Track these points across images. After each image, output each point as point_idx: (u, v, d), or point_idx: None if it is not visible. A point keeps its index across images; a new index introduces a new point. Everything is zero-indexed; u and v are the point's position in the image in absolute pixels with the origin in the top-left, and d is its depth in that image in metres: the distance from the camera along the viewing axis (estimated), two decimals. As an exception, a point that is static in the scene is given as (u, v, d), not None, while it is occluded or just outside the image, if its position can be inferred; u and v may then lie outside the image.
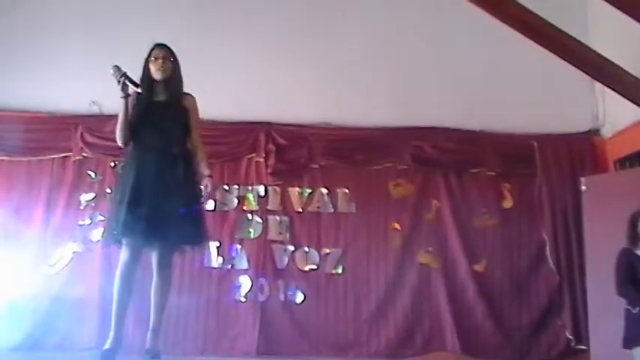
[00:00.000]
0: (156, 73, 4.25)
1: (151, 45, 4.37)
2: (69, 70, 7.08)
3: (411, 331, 6.89)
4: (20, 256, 6.65)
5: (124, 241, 4.11)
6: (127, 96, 4.10)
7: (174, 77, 4.28)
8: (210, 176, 4.26)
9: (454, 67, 7.27)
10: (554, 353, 6.81)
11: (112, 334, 4.15)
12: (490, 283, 7.00)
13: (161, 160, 4.11)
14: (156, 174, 4.07)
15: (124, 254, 4.13)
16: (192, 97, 4.36)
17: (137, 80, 4.21)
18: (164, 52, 4.27)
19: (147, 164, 4.11)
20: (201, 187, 4.25)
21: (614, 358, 5.08)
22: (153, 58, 4.26)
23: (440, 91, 7.22)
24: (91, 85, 7.02)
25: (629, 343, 4.82)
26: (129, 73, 4.15)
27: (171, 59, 4.29)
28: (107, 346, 4.09)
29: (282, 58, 7.15)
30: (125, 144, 4.21)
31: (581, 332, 6.64)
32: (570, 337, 6.75)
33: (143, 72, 4.29)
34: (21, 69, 7.06)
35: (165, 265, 4.23)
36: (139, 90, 4.13)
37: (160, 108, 4.21)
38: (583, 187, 6.52)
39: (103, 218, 6.87)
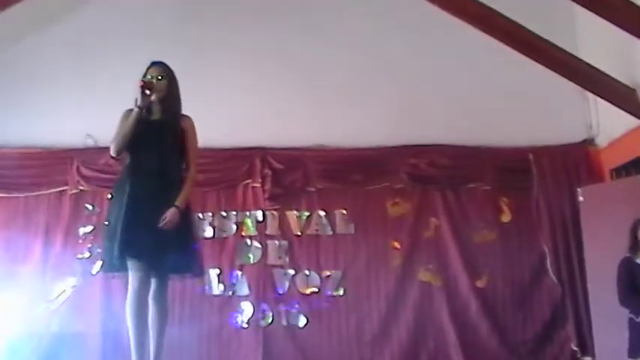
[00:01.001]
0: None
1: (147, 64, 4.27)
2: (63, 104, 7.12)
3: (416, 349, 6.86)
4: (20, 293, 6.62)
5: (129, 266, 3.94)
6: (142, 108, 4.03)
7: (169, 97, 4.16)
8: (177, 207, 3.99)
9: (446, 83, 7.30)
10: (561, 365, 6.78)
11: None
12: (492, 298, 6.98)
13: (156, 186, 4.00)
14: (150, 199, 3.95)
15: (132, 281, 3.96)
16: (190, 119, 4.23)
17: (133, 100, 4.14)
18: (160, 71, 4.16)
19: (141, 187, 3.98)
20: (192, 217, 4.19)
21: (621, 368, 5.05)
22: (148, 77, 4.14)
23: (433, 109, 7.24)
24: (85, 119, 7.09)
25: (633, 352, 4.81)
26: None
27: (168, 77, 4.16)
28: None
29: (274, 82, 7.18)
30: (118, 154, 4.06)
31: (586, 343, 6.61)
32: (575, 348, 6.71)
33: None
34: (16, 105, 7.09)
35: (160, 295, 4.08)
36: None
37: (155, 127, 4.08)
38: (580, 198, 6.53)
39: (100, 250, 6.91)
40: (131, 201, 3.94)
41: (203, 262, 4.53)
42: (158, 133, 4.07)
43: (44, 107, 7.11)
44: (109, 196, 6.78)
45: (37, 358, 6.47)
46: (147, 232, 3.87)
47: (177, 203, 3.99)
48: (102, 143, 7.07)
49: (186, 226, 4.08)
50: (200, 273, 4.45)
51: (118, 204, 4.02)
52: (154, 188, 3.99)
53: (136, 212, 3.91)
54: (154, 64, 4.21)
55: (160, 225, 3.90)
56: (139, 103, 4.03)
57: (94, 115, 7.07)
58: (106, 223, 4.12)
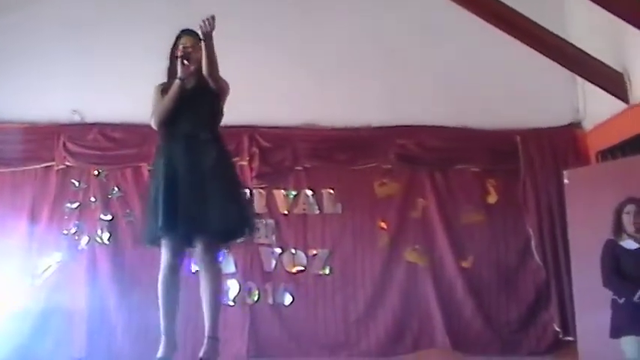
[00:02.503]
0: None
1: (177, 32, 4.16)
2: (50, 79, 7.05)
3: (401, 329, 6.91)
4: (5, 268, 6.61)
5: (163, 242, 3.88)
6: (182, 79, 3.97)
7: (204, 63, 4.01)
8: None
9: (436, 65, 7.29)
10: (543, 346, 6.85)
11: (163, 341, 3.87)
12: (478, 278, 7.03)
13: (191, 147, 3.91)
14: (187, 163, 3.86)
15: (164, 256, 3.89)
16: (224, 81, 4.15)
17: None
18: (193, 41, 4.06)
19: (176, 154, 3.90)
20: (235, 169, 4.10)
21: (602, 348, 5.11)
22: (180, 46, 4.06)
23: (422, 90, 7.23)
24: (72, 94, 7.04)
25: (616, 332, 4.85)
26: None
27: (201, 47, 4.02)
28: (160, 354, 3.83)
29: (263, 60, 7.14)
30: (160, 127, 4.00)
31: (568, 324, 6.68)
32: (558, 329, 6.79)
33: (170, 61, 4.10)
34: (2, 80, 7.01)
35: (210, 261, 3.93)
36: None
37: (189, 95, 4.01)
38: (565, 180, 6.56)
39: (88, 227, 6.89)
40: (168, 173, 3.86)
41: (253, 216, 4.37)
42: (192, 100, 4.00)
43: (31, 82, 7.03)
44: (95, 172, 6.94)
45: (22, 333, 6.47)
46: (187, 198, 3.78)
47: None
48: (89, 119, 7.08)
49: (230, 185, 3.99)
50: (251, 230, 4.34)
51: (157, 177, 3.96)
52: (191, 151, 3.90)
53: (175, 183, 3.82)
54: (184, 32, 4.13)
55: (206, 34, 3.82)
56: (179, 74, 3.97)
57: (81, 91, 7.04)
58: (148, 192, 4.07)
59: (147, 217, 4.07)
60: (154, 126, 4.04)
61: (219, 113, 4.14)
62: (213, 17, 3.84)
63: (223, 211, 3.82)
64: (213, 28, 3.84)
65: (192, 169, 3.85)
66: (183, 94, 3.99)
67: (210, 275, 3.93)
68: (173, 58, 4.08)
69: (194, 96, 4.02)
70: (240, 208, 4.04)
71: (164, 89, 4.05)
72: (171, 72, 4.07)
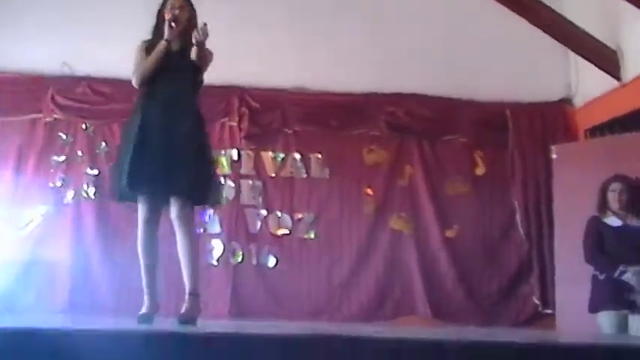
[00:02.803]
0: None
1: None
2: (40, 30, 6.94)
3: (383, 295, 6.96)
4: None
5: (139, 198, 3.90)
6: (169, 41, 3.94)
7: (191, 28, 4.00)
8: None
9: (428, 34, 7.23)
10: (523, 318, 6.91)
11: (146, 298, 3.92)
12: (461, 249, 7.07)
13: (169, 111, 3.91)
14: (162, 123, 3.87)
15: (140, 211, 3.93)
16: (209, 52, 4.10)
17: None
18: (181, 2, 4.03)
19: (153, 114, 3.91)
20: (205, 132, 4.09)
21: (579, 322, 5.18)
22: (169, 7, 4.01)
23: (414, 58, 7.18)
24: (62, 46, 6.96)
25: (594, 307, 4.93)
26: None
27: (189, 9, 4.06)
28: (143, 310, 3.87)
29: (255, 21, 7.07)
30: (141, 85, 4.00)
31: (548, 298, 6.75)
32: (537, 302, 6.87)
33: (157, 21, 4.07)
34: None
35: (184, 218, 3.90)
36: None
37: (173, 57, 3.99)
38: (554, 155, 6.58)
39: (74, 180, 6.87)
40: (142, 131, 3.85)
41: (221, 191, 4.44)
42: (176, 63, 3.99)
43: (21, 33, 6.91)
44: (83, 126, 6.90)
45: (4, 283, 6.47)
46: (157, 160, 3.79)
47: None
48: (78, 72, 7.00)
49: (203, 156, 4.00)
50: (216, 201, 4.53)
51: (128, 134, 3.95)
52: (167, 117, 3.90)
53: (147, 142, 3.83)
54: None
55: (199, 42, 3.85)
56: (166, 36, 3.94)
57: (71, 43, 6.96)
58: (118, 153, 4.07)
59: (114, 172, 4.10)
60: (134, 84, 4.02)
61: (200, 80, 4.13)
62: (205, 24, 3.84)
63: (190, 176, 3.84)
64: (207, 37, 3.85)
65: (166, 132, 3.85)
66: (167, 55, 3.97)
67: (185, 232, 3.92)
68: (160, 17, 4.05)
69: (177, 59, 4.01)
70: (207, 175, 4.04)
71: (148, 47, 4.03)
72: (158, 32, 4.04)
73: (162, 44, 3.95)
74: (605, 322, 4.85)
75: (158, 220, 4.01)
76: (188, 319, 3.72)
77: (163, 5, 4.07)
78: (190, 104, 4.04)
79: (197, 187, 3.92)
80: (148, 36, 4.12)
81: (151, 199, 3.91)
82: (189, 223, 3.97)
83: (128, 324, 3.44)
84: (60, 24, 6.95)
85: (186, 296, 3.90)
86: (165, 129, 3.86)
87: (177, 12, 3.99)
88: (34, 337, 2.19)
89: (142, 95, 4.05)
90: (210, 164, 4.17)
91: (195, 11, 4.12)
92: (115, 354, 2.14)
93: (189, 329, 3.25)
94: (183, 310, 3.82)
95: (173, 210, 3.92)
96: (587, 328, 5.03)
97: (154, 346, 2.21)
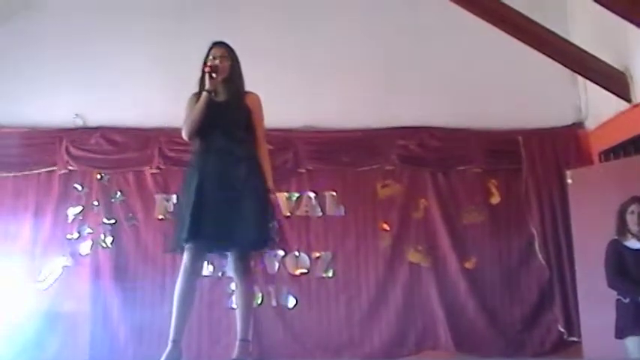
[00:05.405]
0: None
1: (209, 45, 4.16)
2: (52, 83, 7.05)
3: (405, 330, 6.90)
4: (9, 273, 6.62)
5: (186, 246, 3.90)
6: (210, 92, 4.00)
7: (233, 76, 4.10)
8: (272, 192, 4.05)
9: (436, 65, 7.28)
10: (548, 346, 6.83)
11: (170, 345, 3.87)
12: (481, 279, 7.02)
13: (224, 162, 3.96)
14: (219, 176, 3.92)
15: (185, 260, 3.92)
16: (255, 96, 4.22)
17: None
18: (222, 51, 4.11)
19: (210, 166, 3.95)
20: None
21: (607, 349, 5.11)
22: (211, 58, 4.08)
23: (424, 90, 7.22)
24: (73, 98, 7.04)
25: (621, 332, 4.86)
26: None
27: (230, 57, 4.12)
28: (165, 356, 3.83)
29: (262, 62, 7.07)
30: (190, 138, 4.03)
31: (573, 325, 6.67)
32: (562, 329, 6.78)
33: (202, 72, 4.10)
34: (3, 84, 7.02)
35: (242, 270, 4.03)
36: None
37: (221, 108, 4.03)
38: (569, 180, 6.56)
39: (91, 231, 6.89)
40: (200, 185, 3.90)
41: (284, 236, 4.48)
42: (224, 113, 4.04)
43: (33, 86, 7.03)
44: (98, 176, 6.95)
45: (25, 337, 6.47)
46: (218, 210, 3.84)
47: (269, 186, 4.04)
48: (90, 123, 7.08)
49: (260, 201, 4.01)
50: (278, 245, 4.58)
51: (188, 186, 3.98)
52: (224, 166, 3.96)
53: (206, 193, 3.88)
54: (215, 44, 4.16)
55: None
56: (207, 87, 4.00)
57: (83, 95, 7.04)
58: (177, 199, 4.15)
59: (175, 225, 4.14)
60: (184, 136, 4.06)
61: (252, 128, 4.15)
62: None
63: (250, 224, 3.87)
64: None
65: (223, 184, 3.91)
66: (214, 107, 4.01)
67: (245, 282, 4.05)
68: (204, 69, 4.09)
69: (227, 110, 4.06)
70: (265, 223, 4.03)
71: (196, 100, 4.08)
72: (202, 83, 4.09)
73: (204, 96, 4.00)
74: (633, 347, 4.77)
75: (201, 272, 4.09)
76: None
77: (206, 56, 4.12)
78: (245, 155, 4.05)
79: (256, 236, 3.95)
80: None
81: (198, 249, 3.91)
82: (247, 272, 4.08)
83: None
84: (71, 77, 7.04)
85: (237, 342, 4.01)
86: (222, 183, 3.91)
87: (217, 62, 4.05)
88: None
89: (197, 148, 4.10)
90: (267, 211, 4.10)
91: (237, 60, 4.17)
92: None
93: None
94: (234, 356, 3.94)
95: (232, 261, 4.04)
96: (616, 355, 4.95)
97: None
